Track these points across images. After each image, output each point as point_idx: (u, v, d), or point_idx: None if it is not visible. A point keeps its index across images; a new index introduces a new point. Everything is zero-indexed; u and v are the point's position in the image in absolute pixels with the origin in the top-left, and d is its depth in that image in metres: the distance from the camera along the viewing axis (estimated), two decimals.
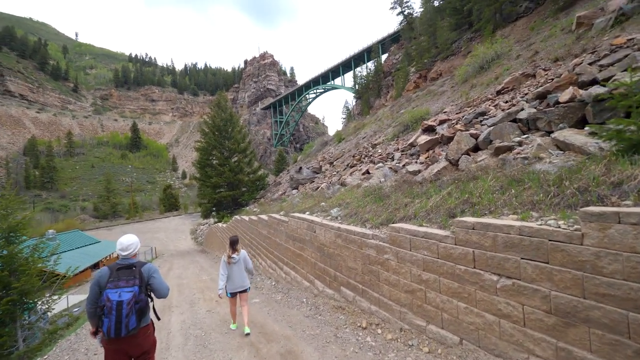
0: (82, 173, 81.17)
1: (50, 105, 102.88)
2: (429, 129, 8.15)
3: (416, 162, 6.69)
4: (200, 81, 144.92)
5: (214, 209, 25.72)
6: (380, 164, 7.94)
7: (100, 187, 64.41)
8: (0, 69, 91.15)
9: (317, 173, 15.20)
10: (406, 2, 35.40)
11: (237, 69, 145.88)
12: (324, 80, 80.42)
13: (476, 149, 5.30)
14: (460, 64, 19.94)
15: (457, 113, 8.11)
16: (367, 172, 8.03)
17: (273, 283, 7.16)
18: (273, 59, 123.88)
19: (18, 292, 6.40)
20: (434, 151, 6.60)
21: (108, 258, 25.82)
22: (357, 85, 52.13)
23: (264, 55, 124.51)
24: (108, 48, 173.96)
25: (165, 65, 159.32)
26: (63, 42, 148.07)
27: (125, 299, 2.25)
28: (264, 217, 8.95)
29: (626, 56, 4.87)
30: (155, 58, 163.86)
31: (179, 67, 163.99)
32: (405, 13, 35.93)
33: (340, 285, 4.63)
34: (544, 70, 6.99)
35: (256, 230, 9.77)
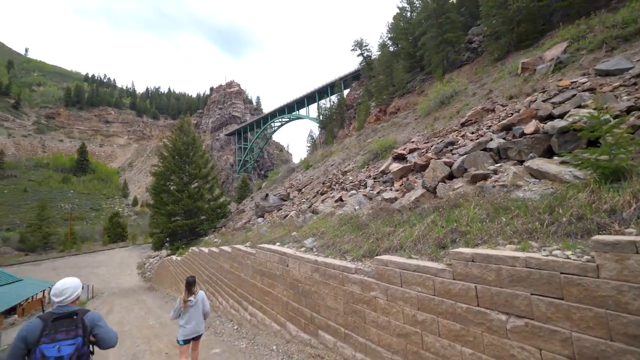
0: (11, 198, 69.25)
1: None
2: (400, 157, 8.26)
3: (391, 190, 6.58)
4: (163, 105, 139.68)
5: (167, 239, 23.37)
6: (353, 191, 7.73)
7: (32, 215, 55.14)
8: None
9: (285, 200, 14.60)
10: (365, 45, 38.82)
11: (202, 95, 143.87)
12: (290, 110, 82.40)
13: (451, 176, 5.32)
14: (415, 101, 21.74)
15: (425, 142, 8.42)
16: (340, 199, 7.75)
17: (235, 327, 6.16)
18: (240, 87, 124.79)
19: None
20: (407, 179, 6.57)
21: (29, 300, 21.13)
22: (321, 116, 53.98)
23: (230, 84, 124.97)
24: (62, 66, 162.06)
25: (125, 87, 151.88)
26: (10, 57, 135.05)
27: (65, 353, 1.90)
28: (226, 248, 8.03)
29: (574, 96, 5.44)
30: (114, 79, 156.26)
31: (140, 89, 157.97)
32: (365, 55, 39.21)
33: (318, 329, 4.00)
34: (502, 106, 7.68)
35: (217, 264, 8.71)
